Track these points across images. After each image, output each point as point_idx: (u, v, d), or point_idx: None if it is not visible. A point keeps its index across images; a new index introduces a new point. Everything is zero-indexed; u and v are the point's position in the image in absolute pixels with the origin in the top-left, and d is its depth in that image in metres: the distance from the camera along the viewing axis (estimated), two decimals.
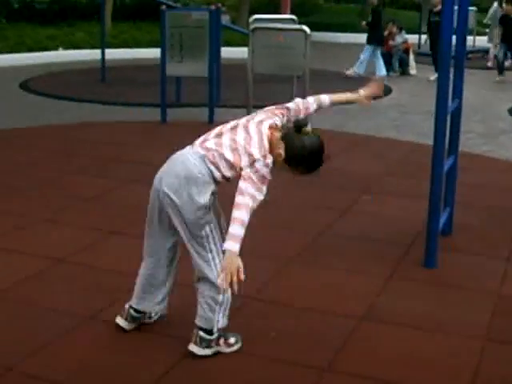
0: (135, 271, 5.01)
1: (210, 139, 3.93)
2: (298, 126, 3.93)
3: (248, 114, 9.99)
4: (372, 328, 4.42)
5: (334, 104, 4.28)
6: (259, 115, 4.01)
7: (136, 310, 4.24)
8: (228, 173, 3.84)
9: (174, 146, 8.99)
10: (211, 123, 10.37)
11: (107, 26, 19.16)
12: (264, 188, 3.80)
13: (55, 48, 19.15)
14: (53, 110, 11.71)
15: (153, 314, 4.35)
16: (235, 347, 4.11)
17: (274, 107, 4.10)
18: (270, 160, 3.79)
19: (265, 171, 3.77)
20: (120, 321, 4.27)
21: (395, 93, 14.20)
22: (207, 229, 3.87)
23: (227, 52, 15.43)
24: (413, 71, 17.41)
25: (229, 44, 18.05)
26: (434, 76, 15.57)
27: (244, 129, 3.89)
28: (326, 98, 4.23)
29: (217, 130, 3.99)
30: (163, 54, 10.40)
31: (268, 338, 4.22)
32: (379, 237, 5.99)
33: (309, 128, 3.94)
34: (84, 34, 20.46)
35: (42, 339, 4.18)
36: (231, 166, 3.81)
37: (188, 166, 3.83)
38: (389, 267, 5.34)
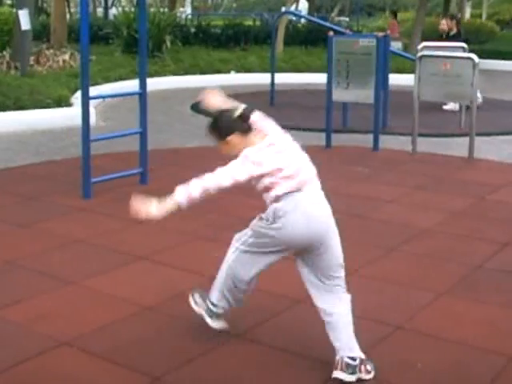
0: (283, 293, 5.11)
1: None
2: None
3: (413, 142, 9.99)
4: None
5: None
6: None
7: None
8: None
9: (336, 171, 9.11)
10: (376, 150, 10.34)
11: (279, 51, 19.52)
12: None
13: (227, 71, 19.67)
14: None
15: None
16: (372, 374, 4.02)
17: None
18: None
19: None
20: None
21: None
22: None
23: (397, 79, 15.38)
24: None
25: (400, 71, 17.95)
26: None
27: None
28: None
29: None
30: (329, 79, 10.49)
31: (413, 369, 4.16)
32: None
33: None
34: (256, 57, 20.91)
35: (190, 353, 4.30)
36: None
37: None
38: None
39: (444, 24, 15.41)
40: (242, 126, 4.10)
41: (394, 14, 24.98)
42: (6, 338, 4.48)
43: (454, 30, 14.96)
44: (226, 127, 4.11)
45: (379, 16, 50.71)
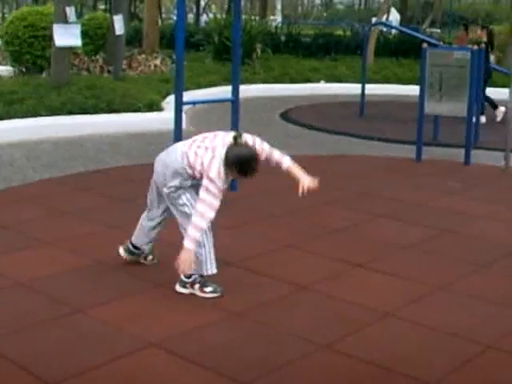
0: (371, 306, 5.07)
1: (198, 143, 5.14)
2: (234, 137, 4.97)
3: (506, 157, 9.80)
4: None
5: (285, 170, 5.42)
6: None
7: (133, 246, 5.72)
8: (197, 175, 5.05)
9: (426, 184, 8.99)
10: (467, 164, 10.18)
11: (369, 62, 19.40)
12: (218, 197, 4.88)
13: (317, 80, 19.65)
14: (310, 141, 12.02)
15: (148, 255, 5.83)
16: (209, 295, 5.20)
17: (257, 139, 5.21)
18: (220, 181, 4.89)
19: (218, 187, 4.88)
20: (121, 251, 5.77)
21: None
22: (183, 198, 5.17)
23: (490, 93, 15.08)
24: None
25: (493, 84, 17.61)
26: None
27: (212, 149, 5.01)
28: (284, 164, 5.42)
29: (203, 136, 5.20)
30: (422, 92, 10.38)
31: None
32: None
33: (242, 140, 4.97)
34: (346, 68, 20.84)
35: (276, 361, 4.29)
36: (200, 172, 4.99)
37: (171, 158, 5.18)
38: None
39: None
40: None
41: (465, 26, 24.67)
42: (96, 336, 4.56)
43: (484, 39, 14.73)
44: None
45: (471, 28, 49.96)
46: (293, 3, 59.58)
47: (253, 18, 23.71)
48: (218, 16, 27.61)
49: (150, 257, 5.85)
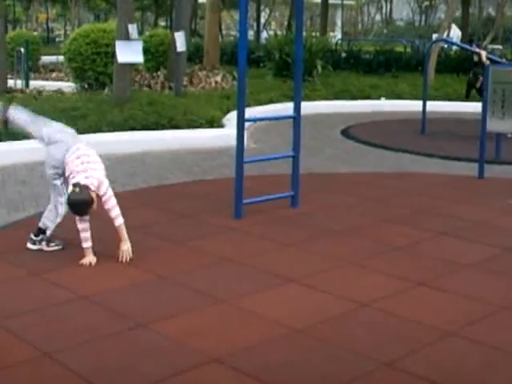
0: (436, 324, 5.03)
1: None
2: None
3: None
4: None
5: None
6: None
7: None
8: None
9: (488, 203, 8.88)
10: None
11: (430, 78, 19.29)
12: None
13: (378, 97, 19.59)
14: (371, 158, 11.98)
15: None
16: (52, 249, 6.46)
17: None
18: None
19: None
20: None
21: None
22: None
23: None
24: None
25: None
26: None
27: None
28: (115, 224, 6.38)
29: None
30: (484, 109, 10.28)
31: None
32: None
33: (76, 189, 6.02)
34: (406, 84, 20.74)
35: (338, 378, 4.28)
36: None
37: None
38: None
39: None
40: None
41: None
42: (159, 350, 4.60)
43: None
44: None
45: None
46: (353, 20, 59.59)
47: (313, 34, 23.77)
48: (278, 33, 27.74)
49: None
